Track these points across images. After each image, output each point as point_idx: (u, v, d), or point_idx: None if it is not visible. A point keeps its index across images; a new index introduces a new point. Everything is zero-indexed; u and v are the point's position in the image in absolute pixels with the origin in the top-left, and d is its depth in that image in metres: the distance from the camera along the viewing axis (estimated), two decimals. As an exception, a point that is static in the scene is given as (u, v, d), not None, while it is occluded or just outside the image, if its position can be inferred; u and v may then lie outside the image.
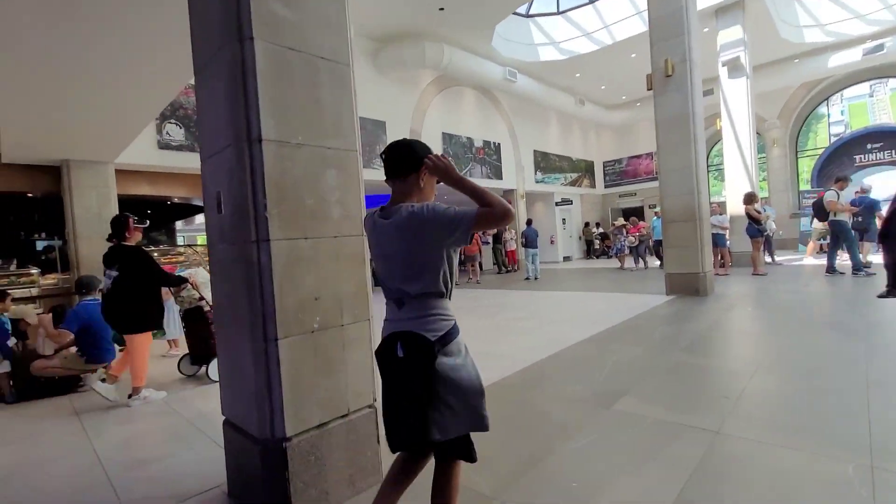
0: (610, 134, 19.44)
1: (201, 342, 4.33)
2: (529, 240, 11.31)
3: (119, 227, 3.81)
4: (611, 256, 12.31)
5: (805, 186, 15.58)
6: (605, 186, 19.67)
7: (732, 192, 10.50)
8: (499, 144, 14.23)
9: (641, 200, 18.50)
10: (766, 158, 15.80)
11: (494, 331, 5.45)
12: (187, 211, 14.21)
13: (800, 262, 10.75)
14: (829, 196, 7.67)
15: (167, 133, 7.89)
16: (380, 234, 1.42)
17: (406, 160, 1.41)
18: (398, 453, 1.48)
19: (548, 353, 4.17)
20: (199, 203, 11.46)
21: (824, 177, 15.15)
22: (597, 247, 17.57)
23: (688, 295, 6.90)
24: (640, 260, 11.85)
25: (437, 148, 12.22)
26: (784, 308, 5.55)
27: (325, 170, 1.98)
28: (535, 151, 15.85)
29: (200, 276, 4.39)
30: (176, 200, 10.88)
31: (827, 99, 15.54)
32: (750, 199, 8.81)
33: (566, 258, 17.07)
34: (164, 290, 4.44)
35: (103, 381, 3.82)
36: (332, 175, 2.00)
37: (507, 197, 15.44)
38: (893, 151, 13.91)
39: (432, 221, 1.30)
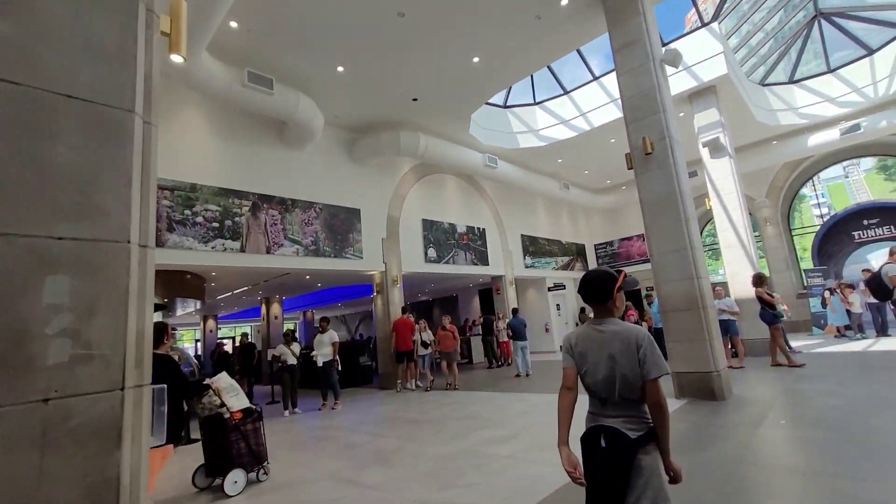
0: (599, 217, 19.20)
1: (219, 452, 4.05)
2: (517, 331, 10.02)
3: (158, 334, 3.75)
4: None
5: (808, 265, 14.89)
6: (599, 269, 18.97)
7: (733, 273, 9.73)
8: (484, 230, 13.73)
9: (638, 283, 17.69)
10: (762, 237, 15.31)
11: (461, 462, 4.22)
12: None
13: (818, 348, 9.62)
14: (891, 270, 6.80)
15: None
16: (595, 340, 1.76)
17: (605, 292, 1.81)
18: None
19: (523, 507, 3.01)
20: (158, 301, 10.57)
21: (824, 255, 14.54)
22: (595, 334, 16.36)
23: (701, 398, 5.75)
24: None
25: (416, 234, 11.66)
26: (828, 420, 4.39)
27: (41, 277, 1.11)
28: (522, 236, 15.34)
29: (223, 382, 4.23)
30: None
31: (810, 179, 15.48)
32: (759, 280, 7.97)
33: (563, 347, 15.77)
34: None
35: None
36: (63, 284, 1.13)
37: (495, 283, 14.68)
38: (892, 227, 13.43)
39: (645, 351, 1.65)
